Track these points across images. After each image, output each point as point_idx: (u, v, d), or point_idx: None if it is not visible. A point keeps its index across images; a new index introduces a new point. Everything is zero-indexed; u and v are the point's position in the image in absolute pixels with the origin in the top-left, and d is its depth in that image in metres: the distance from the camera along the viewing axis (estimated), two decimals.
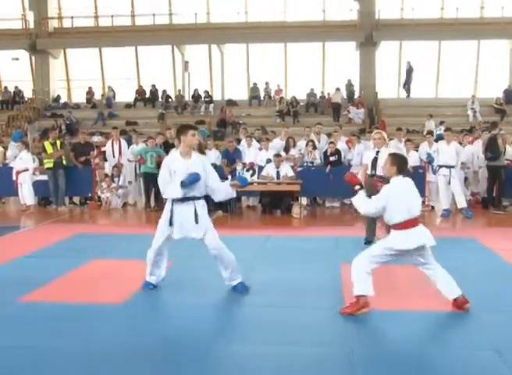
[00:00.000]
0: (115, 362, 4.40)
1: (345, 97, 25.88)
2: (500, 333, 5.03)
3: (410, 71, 26.07)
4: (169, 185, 6.01)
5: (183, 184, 5.89)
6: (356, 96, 26.01)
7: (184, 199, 6.00)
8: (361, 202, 5.56)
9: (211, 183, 6.13)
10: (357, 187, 5.60)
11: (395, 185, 5.43)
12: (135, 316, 5.50)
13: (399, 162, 5.46)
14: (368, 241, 8.58)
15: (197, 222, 5.99)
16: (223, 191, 6.27)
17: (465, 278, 6.56)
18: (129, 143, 14.99)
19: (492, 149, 12.32)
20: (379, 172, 8.42)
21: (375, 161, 8.72)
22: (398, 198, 5.33)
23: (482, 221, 11.84)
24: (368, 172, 8.82)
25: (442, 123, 20.91)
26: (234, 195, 6.47)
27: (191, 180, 5.90)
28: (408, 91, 26.39)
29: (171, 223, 6.05)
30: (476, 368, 4.34)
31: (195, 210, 6.00)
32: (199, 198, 6.09)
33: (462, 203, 11.84)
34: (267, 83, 27.05)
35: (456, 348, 4.68)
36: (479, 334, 5.01)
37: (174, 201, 6.04)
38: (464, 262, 7.42)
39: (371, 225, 8.81)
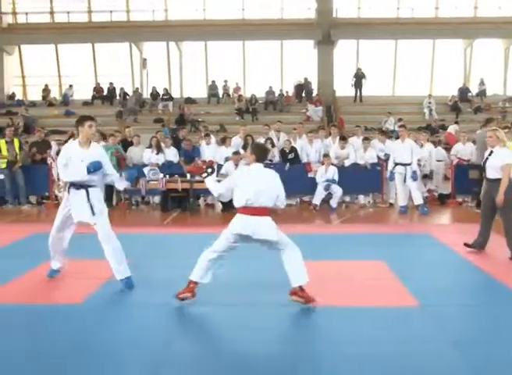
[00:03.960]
0: (72, 363, 4.37)
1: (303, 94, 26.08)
2: (457, 327, 5.15)
3: (360, 77, 25.94)
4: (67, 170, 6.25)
5: (89, 171, 6.13)
6: (314, 94, 26.18)
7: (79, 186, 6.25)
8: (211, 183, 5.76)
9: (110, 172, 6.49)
10: (209, 170, 5.80)
11: (246, 171, 5.73)
12: (93, 316, 5.46)
13: (258, 152, 5.68)
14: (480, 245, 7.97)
15: (91, 208, 6.23)
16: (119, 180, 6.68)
17: (419, 273, 6.76)
18: None
19: None
20: (489, 175, 7.73)
21: (485, 161, 7.86)
22: (245, 183, 5.50)
23: (438, 217, 12.07)
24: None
25: (400, 120, 21.20)
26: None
27: (95, 167, 6.16)
28: (360, 96, 26.09)
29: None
30: (435, 362, 4.38)
31: (88, 196, 6.22)
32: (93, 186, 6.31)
33: (418, 200, 12.02)
34: (225, 81, 27.02)
35: (414, 344, 4.76)
36: (438, 329, 5.12)
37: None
38: (418, 257, 7.59)
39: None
